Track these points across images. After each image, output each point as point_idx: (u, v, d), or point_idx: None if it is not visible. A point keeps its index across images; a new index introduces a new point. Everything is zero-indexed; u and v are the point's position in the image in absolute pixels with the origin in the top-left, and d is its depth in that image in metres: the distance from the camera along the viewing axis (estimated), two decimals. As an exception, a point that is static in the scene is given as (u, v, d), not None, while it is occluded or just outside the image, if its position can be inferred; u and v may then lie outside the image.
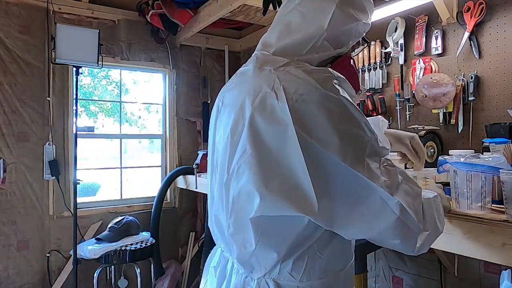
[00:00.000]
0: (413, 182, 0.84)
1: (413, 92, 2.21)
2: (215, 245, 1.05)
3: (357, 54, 1.01)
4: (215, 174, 0.96)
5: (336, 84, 0.78)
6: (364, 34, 0.97)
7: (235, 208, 0.85)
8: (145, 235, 2.94)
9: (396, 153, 1.30)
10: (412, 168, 1.31)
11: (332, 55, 0.91)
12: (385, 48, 2.41)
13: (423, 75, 2.17)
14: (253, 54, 0.94)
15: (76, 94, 2.62)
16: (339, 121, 0.74)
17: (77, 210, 2.62)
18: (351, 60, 0.95)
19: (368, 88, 2.54)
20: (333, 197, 0.74)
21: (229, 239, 0.89)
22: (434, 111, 2.12)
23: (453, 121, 2.04)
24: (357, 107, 0.78)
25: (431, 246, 1.27)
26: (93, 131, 2.91)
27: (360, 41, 1.01)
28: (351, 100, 0.77)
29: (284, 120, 0.74)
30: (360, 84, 0.99)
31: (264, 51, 0.91)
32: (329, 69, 0.83)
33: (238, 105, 0.84)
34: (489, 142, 1.47)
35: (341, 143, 0.72)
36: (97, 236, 2.82)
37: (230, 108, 0.89)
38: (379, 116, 1.29)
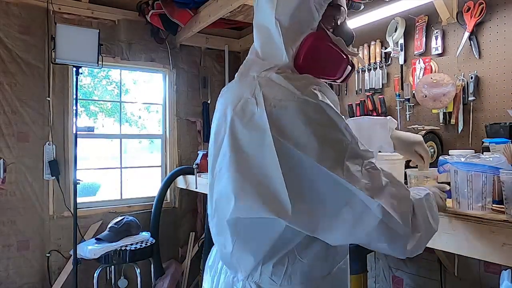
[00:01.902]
0: (400, 185, 0.83)
1: (413, 92, 2.21)
2: (213, 245, 1.06)
3: (344, 20, 0.93)
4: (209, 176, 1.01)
5: (315, 89, 0.78)
6: (330, 0, 0.89)
7: (217, 210, 0.89)
8: (145, 235, 2.94)
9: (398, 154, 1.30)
10: (416, 167, 1.31)
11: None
12: (385, 48, 2.41)
13: (423, 75, 2.16)
14: (245, 59, 0.99)
15: (76, 94, 2.62)
16: (317, 125, 0.75)
17: (77, 210, 2.62)
18: (316, 35, 0.88)
19: (368, 88, 2.54)
20: (312, 201, 0.75)
21: (214, 240, 0.94)
22: (434, 111, 2.12)
23: (453, 121, 2.04)
24: (338, 111, 0.78)
25: (431, 246, 1.27)
26: (93, 131, 2.90)
27: (340, 8, 0.92)
28: (331, 105, 0.78)
29: (261, 126, 0.76)
30: (348, 50, 0.92)
31: (253, 56, 0.95)
32: (308, 75, 0.84)
33: (223, 111, 0.88)
34: (489, 142, 1.47)
35: (319, 147, 0.73)
36: (97, 236, 2.82)
37: (218, 113, 0.93)
38: (389, 117, 1.27)
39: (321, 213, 0.76)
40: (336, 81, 0.94)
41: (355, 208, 0.75)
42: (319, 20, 0.88)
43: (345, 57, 0.91)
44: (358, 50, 2.61)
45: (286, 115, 0.75)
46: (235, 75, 0.99)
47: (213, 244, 1.06)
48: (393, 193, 0.78)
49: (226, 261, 0.91)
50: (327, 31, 0.90)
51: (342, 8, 0.92)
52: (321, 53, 0.87)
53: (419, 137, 1.26)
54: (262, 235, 0.82)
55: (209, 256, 1.08)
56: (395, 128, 1.28)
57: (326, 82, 0.89)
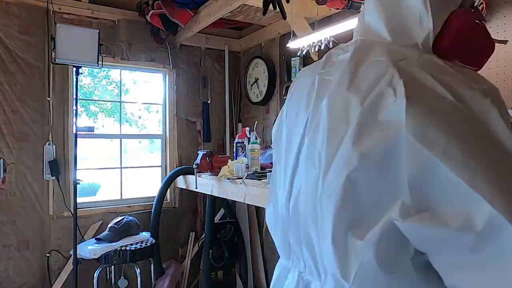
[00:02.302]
0: None
1: (413, 92, 2.21)
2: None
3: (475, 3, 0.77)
4: (299, 177, 0.76)
5: (472, 91, 0.60)
6: None
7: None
8: (145, 235, 2.94)
9: None
10: None
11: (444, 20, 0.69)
12: (385, 48, 2.41)
13: (423, 75, 2.16)
14: (354, 42, 0.77)
15: (76, 94, 2.61)
16: (469, 139, 0.56)
17: (77, 210, 2.62)
18: (467, 14, 0.70)
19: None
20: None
21: (322, 266, 0.70)
22: (434, 111, 2.12)
23: (453, 121, 2.04)
24: (508, 115, 0.59)
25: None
26: (93, 131, 2.91)
27: None
28: (503, 108, 0.58)
29: (394, 124, 0.58)
30: (493, 40, 0.73)
31: (370, 38, 0.74)
32: (466, 69, 0.66)
33: (340, 103, 0.67)
34: (489, 142, 1.47)
35: (481, 167, 0.53)
36: (97, 236, 2.82)
37: (327, 101, 0.70)
38: None
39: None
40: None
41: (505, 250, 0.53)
42: None
43: (494, 45, 0.74)
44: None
45: (427, 119, 0.57)
46: (333, 57, 0.77)
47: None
48: None
49: None
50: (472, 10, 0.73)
51: None
52: (474, 37, 0.70)
53: None
54: (397, 275, 0.62)
55: (280, 278, 0.85)
56: None
57: None
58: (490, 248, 0.51)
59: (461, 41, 0.68)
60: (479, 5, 1.90)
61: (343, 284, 0.64)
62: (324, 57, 0.80)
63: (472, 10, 0.73)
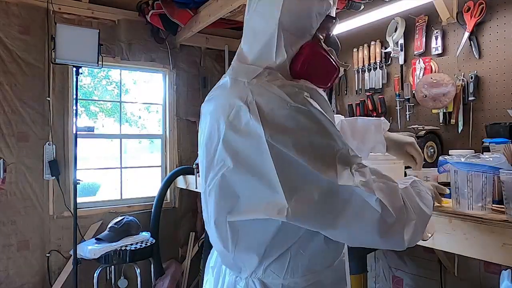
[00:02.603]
0: (387, 178, 0.86)
1: (413, 92, 2.21)
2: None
3: (331, 33, 0.99)
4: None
5: (307, 97, 0.82)
6: (329, 11, 0.94)
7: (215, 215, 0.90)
8: (145, 235, 2.94)
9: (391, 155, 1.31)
10: (409, 167, 1.32)
11: (299, 46, 0.90)
12: (385, 48, 2.42)
13: (423, 75, 2.17)
14: (231, 65, 0.99)
15: (76, 94, 2.62)
16: (310, 132, 0.79)
17: (77, 210, 2.62)
18: (314, 45, 0.92)
19: (368, 88, 2.54)
20: (311, 202, 0.77)
21: (213, 244, 0.95)
22: (434, 111, 2.13)
23: (453, 121, 2.04)
24: (329, 118, 0.82)
25: (431, 246, 1.27)
26: (93, 131, 2.91)
27: (333, 20, 0.97)
28: (322, 112, 0.81)
29: (256, 133, 0.78)
30: (338, 61, 0.97)
31: (240, 62, 0.95)
32: (301, 83, 0.86)
33: (214, 119, 0.89)
34: (489, 142, 1.47)
35: (312, 153, 0.77)
36: (97, 236, 2.82)
37: (208, 120, 0.93)
38: (382, 118, 1.31)
39: (321, 212, 0.78)
40: (324, 88, 0.98)
41: (355, 205, 0.78)
42: (316, 28, 0.92)
43: (337, 67, 0.96)
44: (358, 50, 2.61)
45: (279, 121, 0.78)
46: (220, 81, 0.99)
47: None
48: (382, 188, 0.81)
49: (228, 263, 0.94)
50: (321, 41, 0.95)
51: (334, 20, 0.97)
52: (318, 62, 0.91)
53: (410, 138, 1.29)
54: (263, 233, 0.84)
55: (210, 256, 1.09)
56: (388, 130, 1.32)
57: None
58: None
59: (307, 66, 0.89)
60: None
61: (225, 251, 0.89)
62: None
63: (320, 42, 0.94)
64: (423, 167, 1.34)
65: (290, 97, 0.80)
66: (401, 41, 2.32)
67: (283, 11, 0.87)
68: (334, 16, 0.97)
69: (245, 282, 0.90)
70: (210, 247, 1.03)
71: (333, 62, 0.95)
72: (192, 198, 3.50)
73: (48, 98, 2.86)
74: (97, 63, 2.56)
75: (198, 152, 1.07)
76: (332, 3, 0.93)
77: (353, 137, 1.33)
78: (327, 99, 0.92)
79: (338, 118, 1.36)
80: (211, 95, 0.99)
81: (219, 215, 0.88)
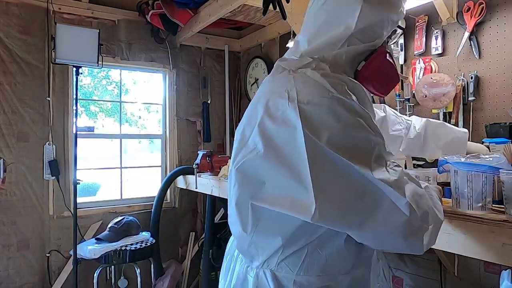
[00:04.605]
0: (417, 182, 0.84)
1: (413, 92, 2.21)
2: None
3: (394, 42, 1.01)
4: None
5: (348, 89, 0.79)
6: (399, 22, 0.94)
7: (240, 194, 0.88)
8: (145, 235, 2.93)
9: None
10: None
11: (363, 50, 0.89)
12: (385, 48, 2.41)
13: (423, 75, 2.16)
14: (283, 57, 0.98)
15: (76, 94, 2.62)
16: (348, 125, 0.76)
17: (77, 210, 2.62)
18: (387, 54, 0.93)
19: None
20: (341, 199, 0.74)
21: (231, 225, 0.93)
22: (434, 111, 2.12)
23: (453, 121, 2.04)
24: (369, 113, 0.79)
25: (431, 247, 1.27)
26: (93, 131, 2.91)
27: (396, 29, 0.98)
28: (362, 107, 0.79)
29: (292, 121, 0.76)
30: (400, 74, 1.01)
31: (293, 51, 0.95)
32: (344, 76, 0.84)
33: (255, 103, 0.89)
34: (489, 142, 1.47)
35: (349, 146, 0.74)
36: (97, 236, 2.82)
37: (251, 104, 0.94)
38: (465, 130, 1.41)
39: (350, 213, 0.76)
40: (381, 96, 1.02)
41: (384, 207, 0.75)
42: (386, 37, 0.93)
43: (399, 78, 0.97)
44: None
45: (318, 112, 0.76)
46: (274, 68, 0.97)
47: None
48: (414, 190, 0.79)
49: (242, 248, 0.91)
50: (391, 51, 0.96)
51: (397, 30, 0.98)
52: (386, 71, 0.92)
53: (486, 150, 1.35)
54: (285, 222, 0.82)
55: (229, 243, 1.07)
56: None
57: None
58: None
59: (376, 73, 0.90)
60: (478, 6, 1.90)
61: (243, 234, 0.87)
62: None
63: (390, 51, 0.95)
64: (423, 167, 1.34)
65: (333, 87, 0.78)
66: (401, 41, 2.32)
67: (359, 19, 0.85)
68: (404, 26, 0.97)
69: (256, 273, 0.87)
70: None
71: (397, 73, 0.95)
72: (192, 198, 3.50)
73: (48, 98, 2.86)
74: (97, 63, 2.56)
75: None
76: (404, 13, 0.94)
77: (434, 140, 1.38)
78: (369, 96, 0.91)
79: (379, 109, 1.37)
80: (265, 81, 0.99)
81: (241, 196, 0.86)
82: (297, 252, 0.83)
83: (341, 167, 0.73)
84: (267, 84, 0.94)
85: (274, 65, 0.96)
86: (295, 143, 0.75)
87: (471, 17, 1.94)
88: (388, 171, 0.77)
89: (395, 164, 0.80)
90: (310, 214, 0.73)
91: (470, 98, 1.96)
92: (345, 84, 0.80)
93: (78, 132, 2.62)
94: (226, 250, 1.06)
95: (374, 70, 0.89)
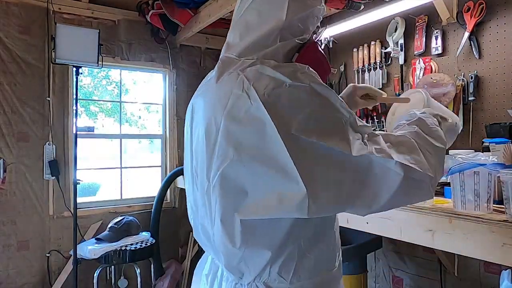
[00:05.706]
0: (402, 136, 0.84)
1: (413, 92, 2.21)
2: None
3: (320, 38, 1.02)
4: (195, 183, 0.94)
5: (303, 73, 0.80)
6: (322, 17, 0.97)
7: (221, 213, 0.84)
8: (145, 235, 2.94)
9: None
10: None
11: (295, 44, 0.91)
12: (385, 48, 2.41)
13: (423, 75, 2.17)
14: (219, 59, 0.98)
15: (76, 94, 2.62)
16: (313, 108, 0.75)
17: (77, 210, 2.62)
18: (316, 45, 0.95)
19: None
20: (331, 182, 0.74)
21: (216, 247, 0.89)
22: (434, 111, 2.12)
23: (453, 121, 2.04)
24: (330, 89, 0.79)
25: (431, 246, 1.27)
26: (93, 131, 2.90)
27: (319, 25, 1.00)
28: (323, 84, 0.79)
29: (260, 118, 0.75)
30: (330, 65, 1.01)
31: (229, 54, 0.95)
32: (294, 63, 0.86)
33: (209, 113, 0.86)
34: (489, 142, 1.47)
35: (321, 129, 0.74)
36: (97, 236, 2.82)
37: (202, 116, 0.90)
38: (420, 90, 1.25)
39: (345, 190, 0.75)
40: None
41: (376, 173, 0.76)
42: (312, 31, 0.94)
43: (330, 69, 0.98)
44: (358, 50, 2.61)
45: (281, 103, 0.75)
46: (208, 76, 0.99)
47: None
48: (400, 149, 0.80)
49: (231, 265, 0.87)
50: (319, 43, 0.97)
51: (320, 27, 1.00)
52: (317, 62, 0.92)
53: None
54: (272, 230, 0.81)
55: (201, 263, 1.06)
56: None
57: None
58: None
59: (309, 64, 0.86)
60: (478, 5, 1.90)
61: (233, 250, 0.83)
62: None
63: (319, 44, 0.96)
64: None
65: (287, 77, 0.78)
66: (401, 41, 2.32)
67: (288, 14, 0.87)
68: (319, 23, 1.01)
69: (248, 287, 0.86)
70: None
71: (328, 64, 0.97)
72: (192, 198, 3.50)
73: (48, 98, 2.86)
74: (97, 63, 2.56)
75: (184, 154, 1.04)
76: (325, 10, 0.96)
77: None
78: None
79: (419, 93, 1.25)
80: (199, 91, 0.98)
81: (225, 212, 0.81)
82: (287, 259, 0.83)
83: (320, 151, 0.73)
84: (212, 91, 0.90)
85: (213, 71, 0.96)
86: (269, 138, 0.74)
87: (471, 17, 1.94)
88: (366, 144, 0.76)
89: (372, 134, 0.79)
90: (305, 207, 0.72)
91: (470, 98, 1.96)
92: (297, 69, 0.80)
93: (78, 132, 2.62)
94: (201, 270, 1.04)
95: (308, 61, 0.89)
